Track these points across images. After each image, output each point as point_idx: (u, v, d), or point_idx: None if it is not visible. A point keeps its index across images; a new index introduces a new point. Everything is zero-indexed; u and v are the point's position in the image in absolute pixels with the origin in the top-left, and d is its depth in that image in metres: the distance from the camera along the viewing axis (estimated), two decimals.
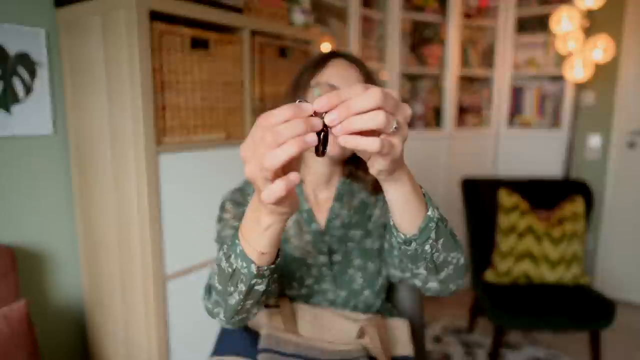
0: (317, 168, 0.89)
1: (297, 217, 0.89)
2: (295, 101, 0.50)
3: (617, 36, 2.69)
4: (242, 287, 0.61)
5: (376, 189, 0.91)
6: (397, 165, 0.52)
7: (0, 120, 1.25)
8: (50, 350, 1.39)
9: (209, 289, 0.73)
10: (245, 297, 0.63)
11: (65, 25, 1.30)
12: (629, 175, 2.84)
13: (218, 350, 0.85)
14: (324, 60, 0.86)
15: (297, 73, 0.90)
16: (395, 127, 0.45)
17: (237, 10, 1.40)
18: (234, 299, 0.64)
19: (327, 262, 0.87)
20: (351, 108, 0.41)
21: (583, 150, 2.92)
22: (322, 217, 0.90)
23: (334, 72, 0.84)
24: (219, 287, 0.65)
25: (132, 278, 1.27)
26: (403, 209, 0.59)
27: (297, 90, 0.87)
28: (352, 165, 0.92)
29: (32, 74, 1.30)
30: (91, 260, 1.40)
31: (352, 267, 0.89)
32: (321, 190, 0.92)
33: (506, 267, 2.14)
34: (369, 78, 0.85)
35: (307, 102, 0.45)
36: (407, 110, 0.47)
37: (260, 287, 0.62)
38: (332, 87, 0.81)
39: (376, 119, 0.42)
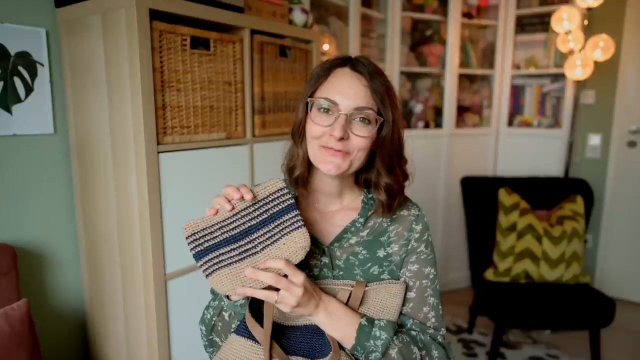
0: (325, 184, 0.84)
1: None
2: (307, 105, 0.79)
3: (617, 35, 2.69)
4: (218, 308, 0.80)
5: (388, 208, 0.83)
6: (303, 313, 0.73)
7: (1, 120, 1.25)
8: (51, 349, 1.40)
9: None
10: (217, 317, 0.80)
11: (66, 25, 1.30)
12: (629, 174, 2.84)
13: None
14: (328, 69, 0.80)
15: (309, 77, 0.84)
16: (277, 301, 0.70)
17: (238, 9, 1.40)
18: (209, 313, 0.81)
19: (328, 262, 0.86)
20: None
21: (583, 150, 2.92)
22: (330, 230, 0.85)
23: (335, 86, 0.77)
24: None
25: (133, 278, 1.27)
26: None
27: (305, 97, 0.82)
28: (366, 174, 0.85)
29: (33, 73, 1.30)
30: (92, 260, 1.41)
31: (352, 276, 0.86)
32: (332, 203, 0.87)
33: (506, 266, 2.14)
34: (376, 91, 0.76)
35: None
36: (297, 291, 0.70)
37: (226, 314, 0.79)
38: None
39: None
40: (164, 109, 1.22)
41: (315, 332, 0.78)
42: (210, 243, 0.72)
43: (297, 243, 0.73)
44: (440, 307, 0.86)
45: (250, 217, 0.74)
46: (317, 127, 0.77)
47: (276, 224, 0.73)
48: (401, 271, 0.84)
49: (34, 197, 1.34)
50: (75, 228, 1.44)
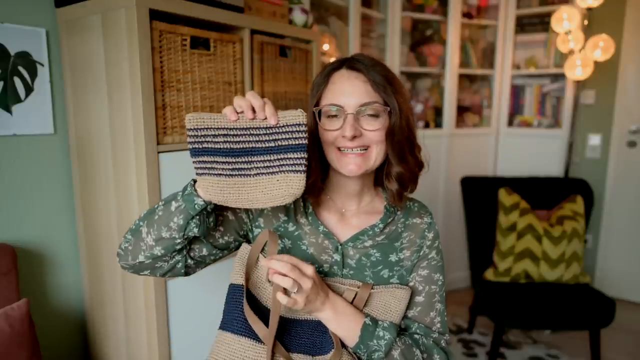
0: (346, 185, 0.85)
1: (314, 239, 0.85)
2: (314, 115, 0.81)
3: (617, 35, 2.69)
4: (170, 198, 0.73)
5: (399, 197, 0.84)
6: (311, 309, 0.74)
7: (1, 120, 1.25)
8: (51, 349, 1.40)
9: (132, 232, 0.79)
10: (163, 206, 0.73)
11: (66, 25, 1.30)
12: (629, 174, 2.84)
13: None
14: (327, 75, 0.81)
15: (311, 87, 0.86)
16: (296, 291, 0.69)
17: (238, 9, 1.40)
18: (160, 202, 0.75)
19: (339, 260, 0.85)
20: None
21: (583, 150, 2.92)
22: (346, 229, 0.86)
23: (336, 90, 0.79)
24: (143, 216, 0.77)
25: (133, 277, 1.27)
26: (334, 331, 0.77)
27: (310, 108, 0.83)
28: (379, 174, 0.87)
29: (33, 73, 1.30)
30: (92, 260, 1.41)
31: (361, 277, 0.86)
32: (350, 203, 0.87)
33: (506, 266, 2.15)
34: (376, 83, 0.77)
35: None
36: (307, 284, 0.70)
37: (179, 205, 0.71)
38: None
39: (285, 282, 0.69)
40: (164, 109, 1.22)
41: (316, 327, 0.78)
42: (209, 146, 0.69)
43: (290, 187, 0.69)
44: (445, 313, 0.88)
45: (257, 139, 0.70)
46: (330, 133, 0.79)
47: (279, 157, 0.70)
48: (411, 276, 0.86)
49: (34, 197, 1.34)
50: (75, 228, 1.44)
